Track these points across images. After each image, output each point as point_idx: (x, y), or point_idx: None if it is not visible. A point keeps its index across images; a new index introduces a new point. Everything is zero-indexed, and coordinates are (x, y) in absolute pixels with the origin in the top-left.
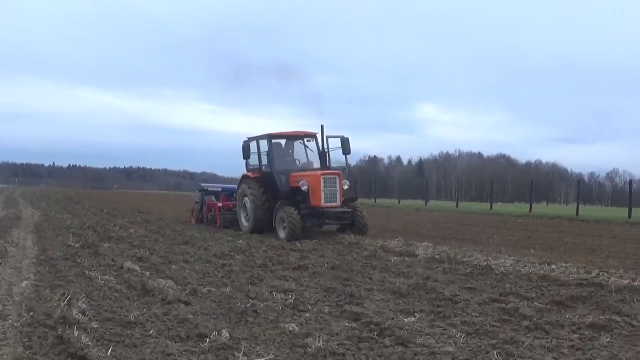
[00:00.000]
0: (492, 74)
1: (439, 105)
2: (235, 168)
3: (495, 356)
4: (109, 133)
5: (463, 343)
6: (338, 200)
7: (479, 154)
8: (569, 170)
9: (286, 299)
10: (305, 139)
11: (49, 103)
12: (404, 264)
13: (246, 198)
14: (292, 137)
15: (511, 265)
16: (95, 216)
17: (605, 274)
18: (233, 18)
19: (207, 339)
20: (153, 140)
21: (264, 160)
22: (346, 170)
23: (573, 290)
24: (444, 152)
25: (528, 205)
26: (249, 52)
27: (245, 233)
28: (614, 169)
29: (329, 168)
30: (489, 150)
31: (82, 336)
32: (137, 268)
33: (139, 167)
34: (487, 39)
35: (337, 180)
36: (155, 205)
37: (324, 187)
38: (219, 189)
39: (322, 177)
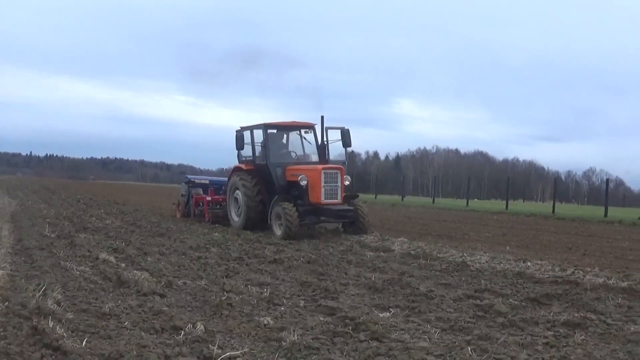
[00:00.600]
0: (471, 71)
1: (418, 101)
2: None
3: (470, 352)
4: (86, 123)
5: (438, 339)
6: (339, 197)
7: (457, 151)
8: (546, 168)
9: (261, 293)
10: (302, 130)
11: (26, 92)
12: (380, 259)
13: (238, 191)
14: (289, 128)
15: (487, 262)
16: (71, 206)
17: (581, 272)
18: (213, 9)
19: (182, 332)
20: (130, 131)
21: (259, 152)
22: (346, 165)
23: (548, 288)
24: (422, 148)
25: (504, 202)
26: (228, 45)
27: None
28: (591, 167)
29: (328, 162)
30: (466, 147)
31: (57, 327)
32: (113, 259)
33: (115, 158)
34: (467, 36)
35: (339, 175)
36: (131, 196)
37: (325, 182)
38: (207, 182)
39: (323, 171)
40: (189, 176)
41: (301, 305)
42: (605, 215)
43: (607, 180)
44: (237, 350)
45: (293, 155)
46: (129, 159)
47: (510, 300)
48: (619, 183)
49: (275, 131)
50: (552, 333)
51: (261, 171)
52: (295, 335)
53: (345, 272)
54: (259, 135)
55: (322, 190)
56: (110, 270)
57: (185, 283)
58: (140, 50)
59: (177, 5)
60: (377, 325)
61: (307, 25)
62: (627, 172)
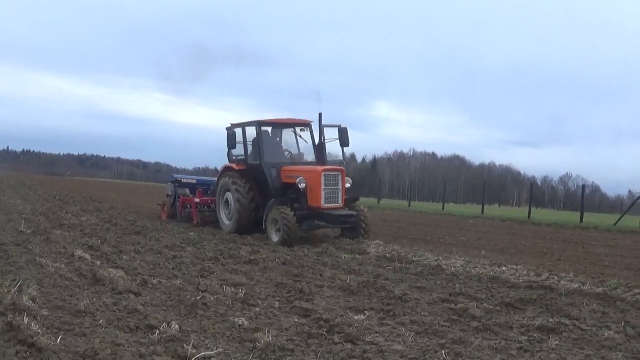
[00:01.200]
0: (448, 75)
1: (395, 104)
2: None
3: (444, 356)
4: (63, 119)
5: (412, 342)
6: (340, 201)
7: (433, 154)
8: (522, 173)
9: (236, 293)
10: (298, 128)
11: (3, 86)
12: (355, 261)
13: (229, 193)
14: (283, 125)
15: (461, 266)
16: (47, 202)
17: (556, 277)
18: (193, 8)
19: (157, 331)
20: (107, 128)
21: (250, 151)
22: (343, 165)
23: (523, 293)
24: (398, 150)
25: (480, 206)
26: (206, 43)
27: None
28: (567, 173)
29: (325, 162)
30: (443, 150)
31: (32, 323)
32: (88, 257)
33: (92, 155)
34: (444, 40)
35: (340, 177)
36: (107, 193)
37: (325, 185)
38: (194, 181)
39: (323, 173)
40: (175, 175)
41: (276, 306)
42: (581, 220)
43: (583, 186)
44: (212, 350)
45: (288, 154)
46: (106, 156)
47: (485, 304)
48: (595, 189)
49: (269, 129)
50: (526, 338)
51: (254, 172)
52: (270, 336)
53: (320, 273)
54: (251, 132)
55: (322, 193)
56: (85, 267)
57: (160, 282)
58: (118, 48)
59: (155, 3)
60: (351, 328)
61: (284, 26)
62: (603, 178)
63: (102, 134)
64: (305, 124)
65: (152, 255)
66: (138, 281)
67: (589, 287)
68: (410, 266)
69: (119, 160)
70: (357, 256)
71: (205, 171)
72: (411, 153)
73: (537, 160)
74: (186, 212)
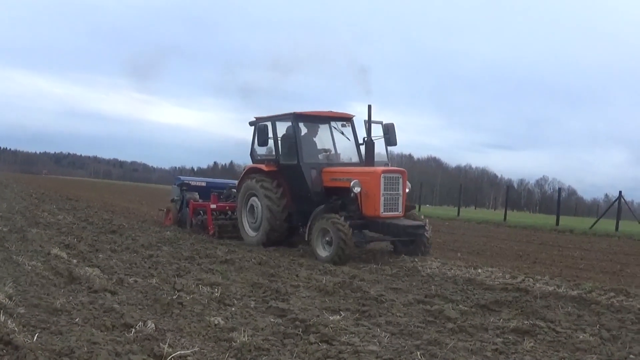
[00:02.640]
0: (425, 77)
1: (372, 105)
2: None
3: (419, 357)
4: (40, 117)
5: (387, 343)
6: (400, 209)
7: (410, 156)
8: (499, 175)
9: (212, 293)
10: (340, 123)
11: None
12: (331, 262)
13: (255, 199)
14: (322, 119)
15: (437, 268)
16: (24, 201)
17: (531, 279)
18: (171, 7)
19: (133, 329)
20: (84, 127)
21: (284, 149)
22: (388, 167)
23: (498, 295)
24: (375, 152)
25: (456, 208)
26: (183, 43)
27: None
28: (543, 176)
29: (372, 164)
30: (419, 152)
31: (9, 321)
32: (65, 255)
33: (69, 153)
34: (422, 43)
35: (401, 181)
36: (84, 192)
37: (384, 189)
38: (204, 184)
39: (383, 175)
40: (182, 177)
41: (252, 306)
42: (557, 224)
43: (560, 189)
44: (188, 349)
45: (326, 153)
46: (82, 155)
47: (460, 306)
48: (572, 192)
49: (304, 123)
50: (501, 340)
51: (287, 174)
52: (246, 335)
53: (297, 274)
54: (284, 128)
55: (382, 199)
56: (62, 266)
57: (136, 281)
58: (96, 46)
59: (134, 3)
60: (327, 328)
61: (263, 26)
62: (580, 182)
63: (79, 133)
64: (347, 118)
65: (129, 254)
66: (114, 280)
67: (564, 290)
68: (386, 267)
69: (95, 159)
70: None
71: (182, 171)
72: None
73: (513, 163)
74: (198, 220)
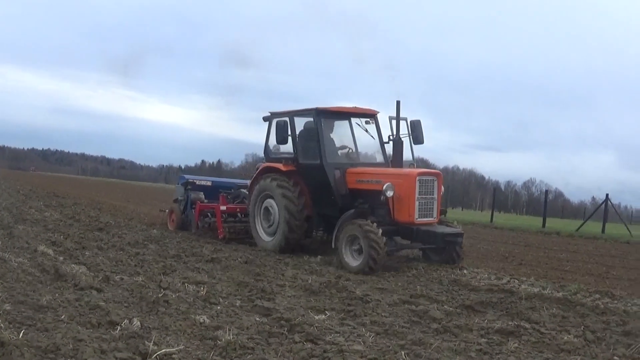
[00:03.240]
0: (413, 78)
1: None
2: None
3: (404, 356)
4: (28, 113)
5: (372, 342)
6: (435, 214)
7: None
8: (486, 177)
9: (198, 291)
10: (364, 120)
11: None
12: (317, 262)
13: (270, 201)
14: (345, 116)
15: (423, 268)
16: (11, 197)
17: (517, 281)
18: (161, 5)
19: (118, 327)
20: (72, 124)
21: (304, 147)
22: (423, 169)
23: (483, 296)
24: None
25: (444, 210)
26: (174, 41)
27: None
28: (530, 178)
29: (400, 164)
30: (407, 154)
31: None
32: (51, 252)
33: (57, 150)
34: (410, 44)
35: (436, 184)
36: (71, 189)
37: (419, 193)
38: (209, 184)
39: (418, 178)
40: (186, 176)
41: (237, 305)
42: (544, 225)
43: (546, 191)
44: (173, 347)
45: (348, 152)
46: (70, 152)
47: (445, 306)
48: (558, 194)
49: (324, 120)
50: (485, 340)
51: (307, 174)
52: (231, 334)
53: (282, 273)
54: (303, 124)
55: (417, 204)
56: (48, 263)
57: (122, 279)
58: (86, 43)
59: (124, 0)
60: (312, 327)
61: (250, 25)
62: (567, 184)
63: (67, 130)
64: (372, 115)
65: (115, 252)
66: (100, 277)
67: (550, 292)
68: None
69: (83, 156)
70: (319, 256)
71: (169, 169)
72: None
73: (501, 165)
74: (206, 222)
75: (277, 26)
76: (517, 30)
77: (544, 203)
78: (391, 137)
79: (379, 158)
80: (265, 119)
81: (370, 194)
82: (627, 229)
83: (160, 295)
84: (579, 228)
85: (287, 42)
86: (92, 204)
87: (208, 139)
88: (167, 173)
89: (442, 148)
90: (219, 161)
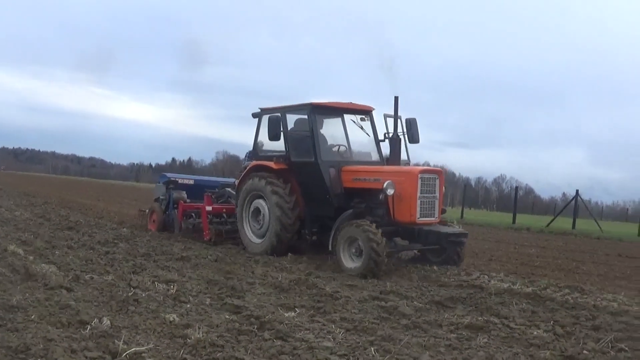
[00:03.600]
0: (384, 75)
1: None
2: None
3: (373, 352)
4: None
5: (342, 339)
6: (436, 214)
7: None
8: (457, 174)
9: (168, 290)
10: (359, 117)
11: None
12: (287, 259)
13: (261, 201)
14: (340, 112)
15: (393, 265)
16: None
17: (486, 276)
18: (132, 2)
19: (88, 326)
20: (43, 122)
21: (297, 144)
22: (424, 166)
23: (453, 292)
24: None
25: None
26: (143, 38)
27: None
28: (501, 174)
29: (398, 162)
30: None
31: None
32: (21, 252)
33: (27, 149)
34: (382, 41)
35: (438, 182)
36: (42, 188)
37: (421, 192)
38: (191, 182)
39: (420, 176)
40: (168, 174)
41: (207, 303)
42: (514, 222)
43: (517, 188)
44: (143, 346)
45: (341, 150)
46: (41, 150)
47: (415, 302)
48: (529, 191)
49: (318, 116)
50: (455, 335)
51: (300, 173)
52: (201, 332)
53: (252, 271)
54: (295, 121)
55: (418, 203)
56: (18, 262)
57: (92, 278)
58: (56, 39)
59: None
60: (282, 325)
61: (221, 22)
62: (537, 181)
63: (38, 128)
64: (367, 111)
65: (85, 251)
66: (70, 277)
67: (519, 287)
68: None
69: (54, 155)
70: (290, 254)
71: (140, 167)
72: None
73: (471, 162)
74: (189, 223)
75: (248, 22)
76: (487, 28)
77: (514, 199)
78: (387, 135)
79: (374, 156)
80: (254, 115)
81: (368, 193)
82: (598, 224)
83: (130, 294)
84: (549, 224)
85: (258, 38)
86: (62, 203)
87: (178, 137)
88: (137, 171)
89: (413, 145)
90: (189, 159)
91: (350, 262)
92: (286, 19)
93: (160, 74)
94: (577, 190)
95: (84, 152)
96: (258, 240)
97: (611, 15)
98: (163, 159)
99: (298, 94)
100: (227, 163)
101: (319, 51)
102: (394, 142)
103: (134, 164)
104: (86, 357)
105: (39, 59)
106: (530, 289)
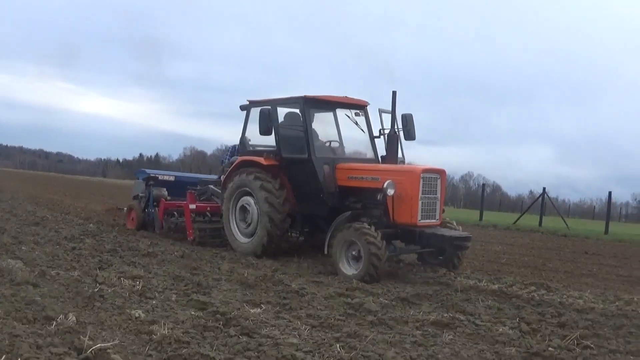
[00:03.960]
0: (353, 72)
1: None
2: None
3: (338, 349)
4: None
5: (307, 335)
6: (437, 216)
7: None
8: None
9: (134, 286)
10: (353, 111)
11: None
12: (254, 255)
13: (248, 198)
14: (334, 106)
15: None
16: None
17: (452, 273)
18: None
19: (54, 322)
20: (10, 116)
21: (289, 139)
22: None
23: (419, 288)
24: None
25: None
26: (111, 32)
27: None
28: (468, 172)
29: (395, 160)
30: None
31: None
32: None
33: None
34: (351, 38)
35: (439, 182)
36: (8, 183)
37: (423, 193)
38: (172, 179)
39: (422, 175)
40: (147, 170)
41: (173, 299)
42: (480, 219)
43: (484, 185)
44: (108, 342)
45: (335, 145)
46: (8, 145)
47: (381, 299)
48: (496, 188)
49: (311, 110)
50: (420, 332)
51: (292, 170)
52: (166, 328)
53: (219, 267)
54: (284, 114)
55: (420, 204)
56: None
57: (58, 273)
58: (22, 34)
59: None
60: (247, 321)
61: (191, 17)
62: (505, 178)
63: (5, 123)
64: (362, 106)
65: (52, 246)
66: (37, 272)
67: (485, 284)
68: (309, 261)
69: (21, 150)
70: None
71: (107, 162)
72: None
73: (439, 159)
74: (171, 222)
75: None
76: (455, 25)
77: (481, 196)
78: (382, 131)
79: (369, 154)
80: (242, 107)
81: (365, 192)
82: (565, 222)
83: (96, 290)
84: (516, 221)
85: (224, 33)
86: (29, 198)
87: (146, 133)
88: (104, 166)
89: (380, 142)
90: (157, 154)
91: (348, 267)
92: (254, 16)
93: (127, 69)
94: (544, 188)
95: (52, 147)
96: (246, 240)
97: (578, 15)
98: (130, 154)
99: (263, 89)
100: (194, 159)
101: (287, 47)
102: (391, 139)
103: (101, 159)
104: (51, 353)
105: (5, 53)
106: (497, 286)
